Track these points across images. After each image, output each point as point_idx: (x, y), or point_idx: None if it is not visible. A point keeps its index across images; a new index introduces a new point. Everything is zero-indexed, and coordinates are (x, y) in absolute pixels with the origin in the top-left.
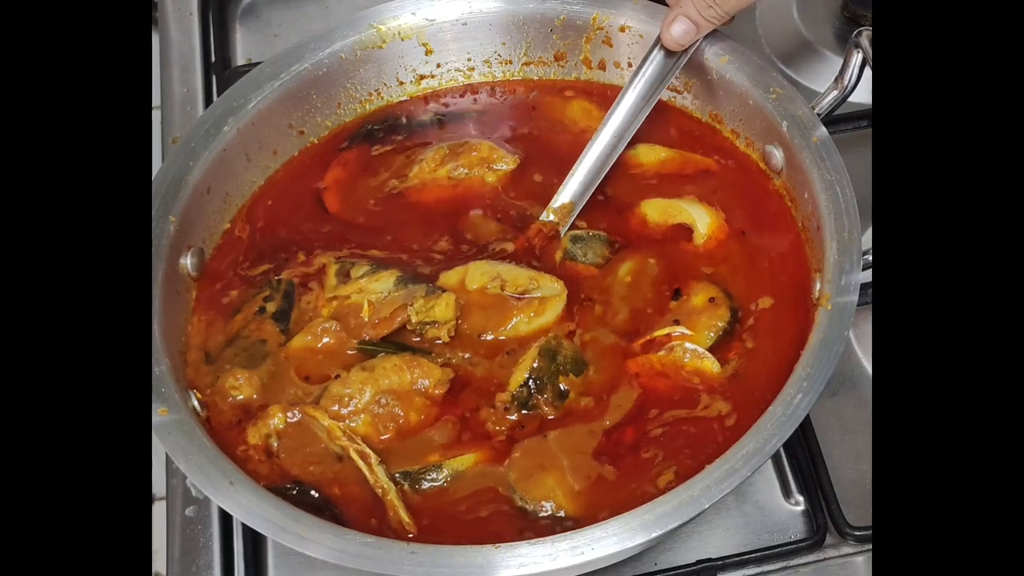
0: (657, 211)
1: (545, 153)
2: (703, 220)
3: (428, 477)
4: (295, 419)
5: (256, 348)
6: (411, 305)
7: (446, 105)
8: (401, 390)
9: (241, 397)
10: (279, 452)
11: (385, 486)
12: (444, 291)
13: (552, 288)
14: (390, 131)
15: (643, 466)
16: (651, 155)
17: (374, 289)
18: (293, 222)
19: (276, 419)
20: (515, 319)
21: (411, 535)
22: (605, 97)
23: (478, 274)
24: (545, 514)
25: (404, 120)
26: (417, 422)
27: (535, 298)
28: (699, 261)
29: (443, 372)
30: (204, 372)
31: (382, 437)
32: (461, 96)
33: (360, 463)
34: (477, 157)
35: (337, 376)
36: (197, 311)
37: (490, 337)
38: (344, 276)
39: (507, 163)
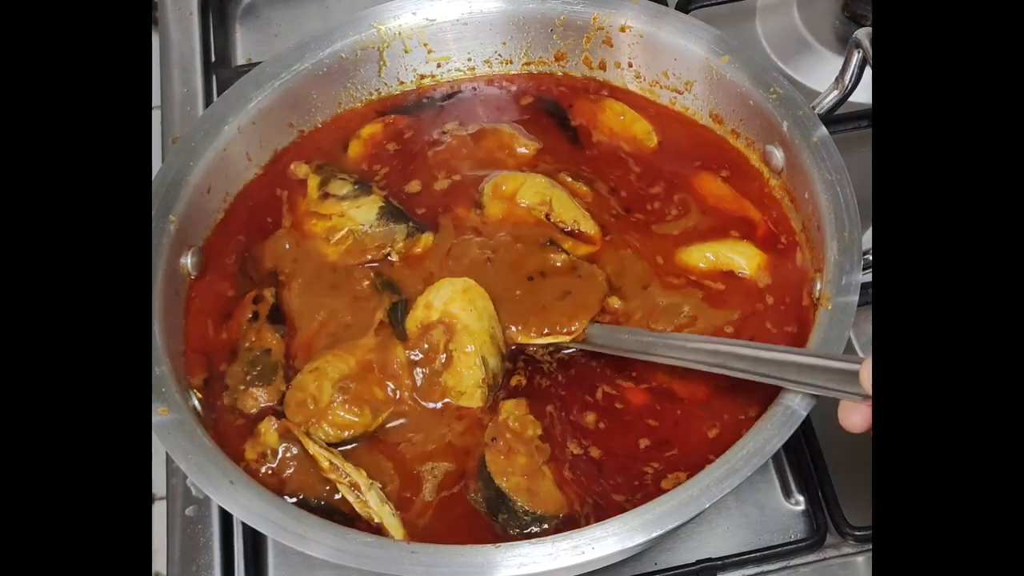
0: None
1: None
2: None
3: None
4: (285, 434)
5: (262, 360)
6: (391, 246)
7: (458, 90)
8: (354, 372)
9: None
10: (277, 470)
11: (378, 516)
12: (423, 232)
13: (591, 225)
14: (420, 107)
15: (628, 469)
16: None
17: (356, 217)
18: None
19: (269, 437)
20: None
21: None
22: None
23: (532, 191)
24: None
25: (432, 101)
26: (384, 397)
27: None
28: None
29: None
30: (225, 399)
31: (358, 418)
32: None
33: (350, 496)
34: (496, 141)
35: (289, 386)
36: (193, 314)
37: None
38: (324, 193)
39: (527, 148)
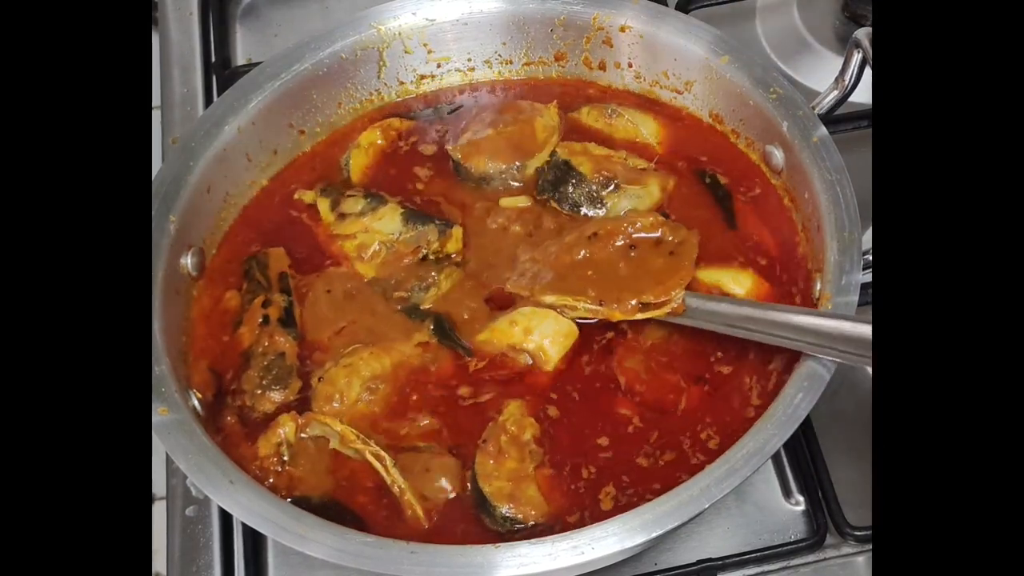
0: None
1: None
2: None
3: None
4: (305, 426)
5: (277, 364)
6: (426, 248)
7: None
8: (386, 373)
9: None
10: (290, 461)
11: (402, 485)
12: (452, 226)
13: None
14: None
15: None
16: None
17: (382, 229)
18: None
19: (286, 428)
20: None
21: (426, 527)
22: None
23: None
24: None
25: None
26: (409, 398)
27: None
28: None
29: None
30: (246, 401)
31: (375, 412)
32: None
33: (376, 464)
34: (518, 109)
35: (320, 379)
36: (198, 320)
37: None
38: (339, 214)
39: (555, 112)
